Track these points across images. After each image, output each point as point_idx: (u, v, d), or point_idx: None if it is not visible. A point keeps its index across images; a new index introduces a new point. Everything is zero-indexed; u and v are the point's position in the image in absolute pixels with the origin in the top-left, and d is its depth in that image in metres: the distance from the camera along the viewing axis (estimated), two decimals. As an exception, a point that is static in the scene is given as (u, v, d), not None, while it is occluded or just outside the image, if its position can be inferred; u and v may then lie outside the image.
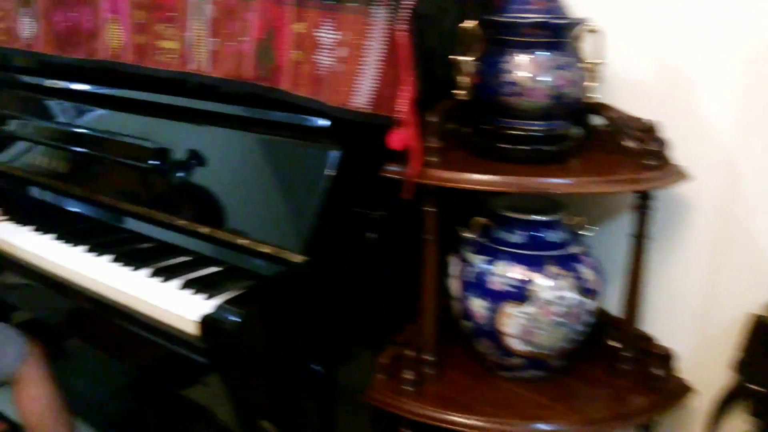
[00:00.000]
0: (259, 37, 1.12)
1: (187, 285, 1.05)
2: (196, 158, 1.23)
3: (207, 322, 0.93)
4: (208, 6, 1.17)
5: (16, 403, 1.38)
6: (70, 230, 1.26)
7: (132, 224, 1.28)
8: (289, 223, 1.10)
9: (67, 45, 1.44)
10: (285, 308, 1.00)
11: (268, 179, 1.16)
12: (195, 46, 1.22)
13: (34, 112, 1.54)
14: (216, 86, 1.20)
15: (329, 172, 1.07)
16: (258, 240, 1.10)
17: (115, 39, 1.34)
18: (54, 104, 1.51)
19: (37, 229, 1.27)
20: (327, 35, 1.05)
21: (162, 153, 1.26)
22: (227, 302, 0.94)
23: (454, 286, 1.15)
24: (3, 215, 1.42)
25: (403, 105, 1.00)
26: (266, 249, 1.08)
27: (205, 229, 1.17)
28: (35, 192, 1.45)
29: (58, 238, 1.23)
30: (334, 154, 1.07)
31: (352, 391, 1.13)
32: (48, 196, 1.43)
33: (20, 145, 1.53)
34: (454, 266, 1.15)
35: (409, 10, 0.97)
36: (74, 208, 1.38)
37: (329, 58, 1.05)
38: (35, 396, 1.36)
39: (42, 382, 1.37)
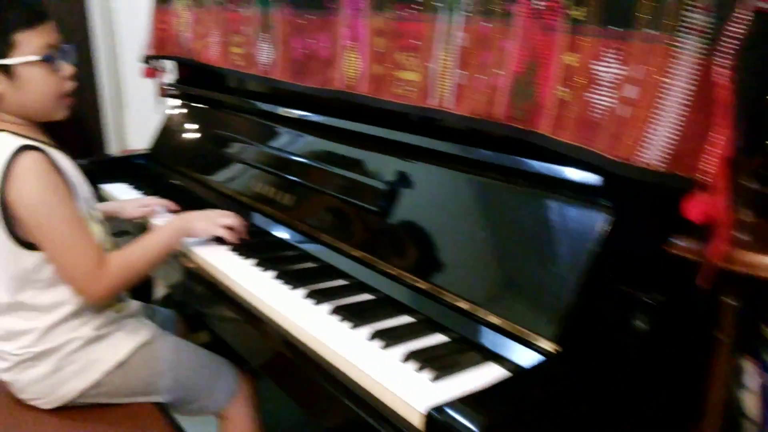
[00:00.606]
0: (517, 69, 0.94)
1: (412, 357, 0.90)
2: (429, 205, 1.09)
3: (435, 422, 0.75)
4: (459, 33, 1.02)
5: (222, 438, 1.34)
6: (289, 270, 1.18)
7: (352, 269, 1.17)
8: (537, 298, 0.90)
9: (302, 73, 1.39)
10: (531, 413, 0.80)
11: (513, 240, 0.97)
12: (438, 78, 1.07)
13: (261, 138, 1.52)
14: (457, 125, 1.05)
15: (595, 240, 0.85)
16: (493, 312, 0.92)
17: (351, 68, 1.25)
18: (282, 132, 1.48)
19: (258, 264, 1.21)
20: (609, 69, 0.83)
21: (392, 195, 1.13)
22: (463, 401, 0.76)
23: (751, 403, 0.86)
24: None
25: (711, 164, 0.76)
26: (499, 322, 0.90)
27: (429, 287, 1.01)
28: (258, 220, 1.41)
29: (278, 277, 1.16)
30: (603, 219, 0.85)
31: None
32: (270, 226, 1.38)
33: (247, 171, 1.52)
34: (751, 377, 0.87)
35: (736, 40, 0.72)
36: (294, 241, 1.30)
37: (609, 99, 0.84)
38: (241, 432, 1.32)
39: (249, 420, 1.32)
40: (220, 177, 1.60)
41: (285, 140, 1.47)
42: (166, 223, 1.28)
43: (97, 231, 1.19)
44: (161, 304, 1.65)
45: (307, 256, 1.26)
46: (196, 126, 1.85)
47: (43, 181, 1.06)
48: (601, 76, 0.84)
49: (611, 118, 0.83)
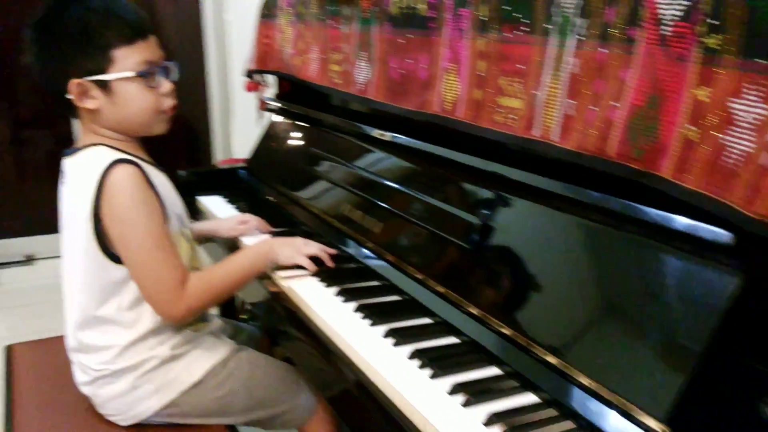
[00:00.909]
0: (636, 102, 0.83)
1: (497, 419, 0.80)
2: (525, 245, 0.99)
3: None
4: (570, 59, 0.92)
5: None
6: (371, 304, 1.12)
7: (437, 306, 1.09)
8: (646, 367, 0.78)
9: (398, 94, 1.33)
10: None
11: (620, 295, 0.85)
12: (544, 107, 0.97)
13: (353, 158, 1.47)
14: (562, 160, 0.95)
15: (722, 307, 0.72)
16: (592, 376, 0.81)
17: (450, 91, 1.17)
18: (374, 154, 1.42)
19: (340, 293, 1.16)
20: (750, 109, 0.71)
21: (485, 231, 1.04)
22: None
23: None
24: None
25: None
26: (598, 388, 0.79)
27: (521, 338, 0.91)
28: (343, 243, 1.36)
29: (359, 310, 1.09)
30: (732, 283, 0.73)
31: None
32: (355, 251, 1.32)
33: (336, 192, 1.47)
34: None
35: None
36: (379, 269, 1.24)
37: (749, 143, 0.71)
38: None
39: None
40: (309, 195, 1.57)
41: (377, 163, 1.41)
42: (252, 246, 1.25)
43: (185, 249, 1.18)
44: (245, 320, 1.64)
45: (390, 288, 1.19)
46: (291, 142, 1.84)
47: (133, 195, 1.05)
48: (740, 116, 0.72)
49: (750, 166, 0.71)
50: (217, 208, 1.71)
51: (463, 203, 1.13)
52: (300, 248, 1.24)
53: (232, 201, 1.75)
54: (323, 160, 1.58)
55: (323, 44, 1.60)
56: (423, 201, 1.21)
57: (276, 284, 1.24)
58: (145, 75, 1.09)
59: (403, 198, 1.27)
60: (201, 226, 1.47)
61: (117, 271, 1.09)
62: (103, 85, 1.07)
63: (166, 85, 1.15)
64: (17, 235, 3.19)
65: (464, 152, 1.16)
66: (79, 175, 1.08)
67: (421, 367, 0.93)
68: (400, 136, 1.33)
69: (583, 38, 0.90)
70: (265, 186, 1.80)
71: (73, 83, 1.06)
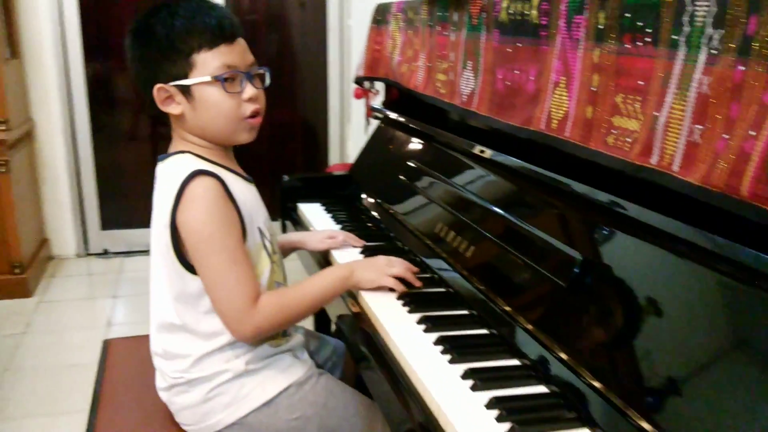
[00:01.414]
0: (781, 133, 0.68)
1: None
2: (633, 292, 0.85)
3: None
4: (700, 77, 0.78)
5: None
6: (454, 337, 1.02)
7: (528, 347, 0.97)
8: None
9: (502, 107, 1.22)
10: None
11: (743, 361, 0.70)
12: (665, 131, 0.83)
13: (451, 175, 1.38)
14: (684, 195, 0.80)
15: None
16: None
17: (558, 107, 1.05)
18: (475, 172, 1.32)
19: (422, 321, 1.07)
20: None
21: (588, 269, 0.92)
22: None
23: None
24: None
25: None
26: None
27: (621, 403, 0.78)
28: (436, 265, 1.27)
29: (440, 343, 1.00)
30: None
31: None
32: (445, 274, 1.23)
33: (431, 210, 1.39)
34: None
35: None
36: (468, 297, 1.14)
37: None
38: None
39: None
40: (404, 209, 1.50)
41: (475, 181, 1.31)
42: (333, 269, 1.20)
43: (265, 263, 1.15)
44: (333, 333, 1.59)
45: (478, 320, 1.09)
46: (391, 152, 1.78)
47: (209, 209, 1.03)
48: None
49: None
50: (314, 215, 1.68)
51: (564, 234, 1.01)
52: (383, 269, 1.17)
53: (329, 209, 1.72)
54: (421, 174, 1.50)
55: (430, 52, 1.52)
56: (520, 227, 1.10)
57: (358, 304, 1.18)
58: (225, 79, 1.06)
59: (498, 221, 1.16)
60: (288, 237, 1.44)
61: (194, 282, 1.07)
62: (185, 90, 1.06)
63: (249, 91, 1.09)
64: (143, 225, 3.39)
65: (570, 176, 1.04)
66: (164, 182, 1.08)
67: (500, 419, 0.82)
68: (502, 154, 1.22)
69: (717, 52, 0.75)
70: (365, 195, 1.75)
71: (156, 88, 1.06)
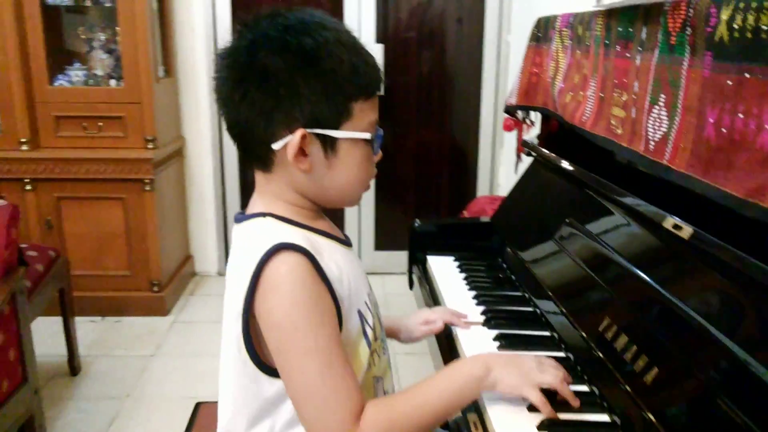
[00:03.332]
0: None
1: None
2: None
3: None
4: None
5: None
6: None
7: None
8: None
9: (713, 164, 0.84)
10: None
11: None
12: None
13: (624, 246, 1.01)
14: None
15: None
16: None
17: None
18: (661, 250, 0.94)
19: None
20: None
21: None
22: None
23: None
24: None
25: None
26: None
27: None
28: (593, 368, 0.92)
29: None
30: None
31: None
32: (608, 393, 0.87)
33: (588, 286, 1.03)
34: None
35: None
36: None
37: None
38: None
39: None
40: (556, 283, 1.15)
41: (663, 268, 0.93)
42: (462, 365, 0.87)
43: (364, 355, 0.87)
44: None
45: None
46: (545, 201, 1.43)
47: (295, 296, 0.77)
48: None
49: None
50: (444, 275, 1.38)
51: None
52: (530, 375, 0.85)
53: (464, 267, 1.41)
54: (583, 238, 1.14)
55: (604, 79, 1.16)
56: (736, 354, 0.72)
57: (484, 425, 0.86)
58: (373, 140, 0.84)
59: (703, 335, 0.78)
60: (384, 322, 1.14)
61: (272, 386, 0.82)
62: (330, 143, 0.81)
63: (379, 154, 0.87)
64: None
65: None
66: (240, 254, 0.83)
67: None
68: (709, 236, 0.83)
69: None
70: (508, 252, 1.42)
71: (300, 133, 0.79)
